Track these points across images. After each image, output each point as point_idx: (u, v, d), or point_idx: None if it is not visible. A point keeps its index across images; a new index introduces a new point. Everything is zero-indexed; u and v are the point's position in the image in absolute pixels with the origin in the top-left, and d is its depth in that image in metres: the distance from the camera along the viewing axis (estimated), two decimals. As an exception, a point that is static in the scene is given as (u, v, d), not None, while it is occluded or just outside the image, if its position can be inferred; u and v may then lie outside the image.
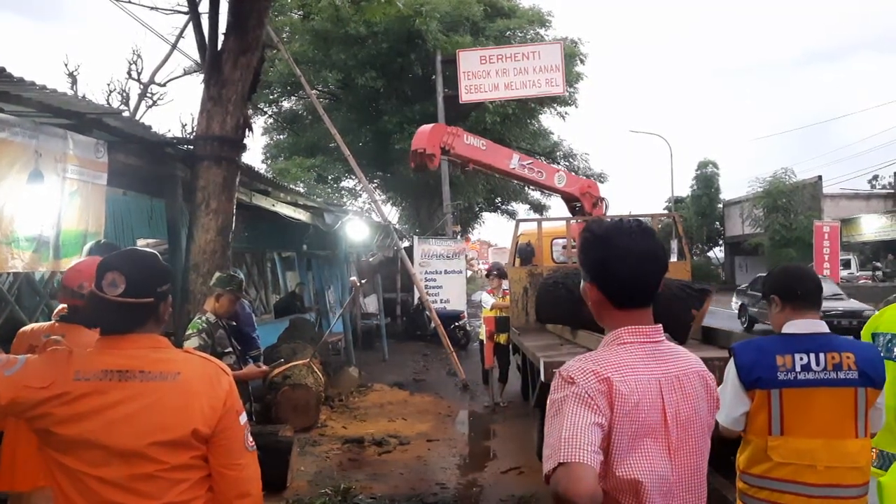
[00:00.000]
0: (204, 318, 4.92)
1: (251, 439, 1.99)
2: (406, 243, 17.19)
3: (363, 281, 12.41)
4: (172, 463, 1.82)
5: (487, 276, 10.63)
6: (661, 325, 1.78)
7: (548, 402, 1.67)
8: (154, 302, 1.93)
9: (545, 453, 1.56)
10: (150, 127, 6.06)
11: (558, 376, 1.67)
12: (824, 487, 2.45)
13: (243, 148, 6.28)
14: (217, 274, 5.17)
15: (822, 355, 2.51)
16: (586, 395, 1.59)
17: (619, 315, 1.76)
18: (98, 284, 1.89)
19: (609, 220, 1.82)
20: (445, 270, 16.57)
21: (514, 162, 10.04)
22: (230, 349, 5.01)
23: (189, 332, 4.82)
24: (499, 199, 30.21)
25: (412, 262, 14.86)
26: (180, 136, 9.48)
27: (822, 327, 2.60)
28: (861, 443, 2.52)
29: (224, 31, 6.14)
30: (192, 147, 6.22)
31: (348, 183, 26.42)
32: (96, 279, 1.90)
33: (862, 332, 3.22)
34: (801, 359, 2.50)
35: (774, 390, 2.50)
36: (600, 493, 1.50)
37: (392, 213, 26.92)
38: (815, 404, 2.49)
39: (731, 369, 2.60)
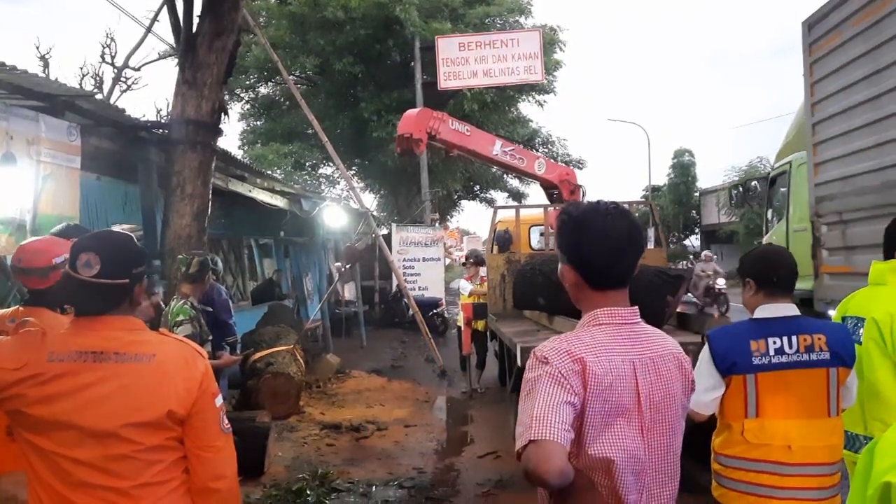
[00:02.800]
0: (189, 303, 4.80)
1: (227, 421, 1.98)
2: (384, 231, 17.14)
3: (347, 266, 12.33)
4: (147, 444, 1.82)
5: (464, 263, 10.65)
6: (636, 307, 1.80)
7: (522, 381, 1.69)
8: (129, 284, 1.91)
9: (517, 431, 1.58)
10: (123, 110, 5.97)
11: (533, 356, 1.70)
12: (798, 466, 2.51)
13: (219, 132, 6.22)
14: (194, 259, 5.06)
15: (794, 338, 2.56)
16: (559, 375, 1.61)
17: (596, 296, 1.78)
18: (72, 265, 1.87)
19: (586, 202, 1.84)
20: (424, 258, 16.58)
21: (497, 148, 10.03)
22: (211, 337, 4.98)
23: (180, 318, 4.70)
24: (477, 186, 30.21)
25: (390, 250, 14.83)
26: (155, 120, 9.34)
27: (793, 310, 2.65)
28: (834, 421, 2.58)
29: (199, 13, 6.07)
30: (166, 131, 6.15)
31: (326, 170, 26.27)
32: (70, 259, 1.88)
33: (834, 315, 3.30)
34: (775, 342, 2.56)
35: (750, 375, 2.56)
36: (570, 470, 1.53)
37: (370, 201, 26.85)
38: (790, 386, 2.55)
39: (705, 355, 2.65)
